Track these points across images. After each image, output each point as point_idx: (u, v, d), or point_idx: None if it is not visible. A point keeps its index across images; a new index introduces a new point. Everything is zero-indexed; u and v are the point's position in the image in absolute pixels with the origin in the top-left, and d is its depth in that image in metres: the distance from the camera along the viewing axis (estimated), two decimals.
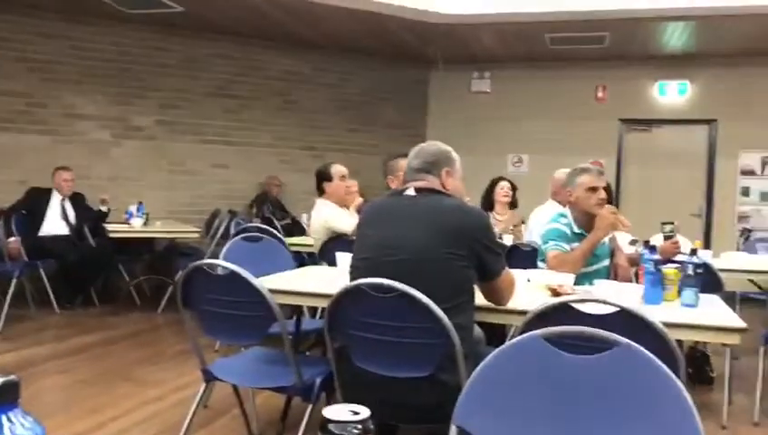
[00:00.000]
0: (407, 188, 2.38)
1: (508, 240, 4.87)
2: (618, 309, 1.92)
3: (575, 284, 2.86)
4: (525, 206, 5.55)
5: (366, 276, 2.16)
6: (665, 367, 1.29)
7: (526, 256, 3.88)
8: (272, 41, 7.73)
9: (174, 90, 7.48)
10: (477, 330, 2.60)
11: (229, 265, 2.39)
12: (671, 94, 8.00)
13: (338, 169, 4.39)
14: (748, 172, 7.77)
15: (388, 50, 7.97)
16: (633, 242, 4.24)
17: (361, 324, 2.15)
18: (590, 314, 1.98)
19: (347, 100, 8.36)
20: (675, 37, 7.10)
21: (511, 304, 2.42)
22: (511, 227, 5.15)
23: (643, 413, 1.29)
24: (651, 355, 1.32)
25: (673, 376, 1.28)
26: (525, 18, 6.31)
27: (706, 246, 7.05)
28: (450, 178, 2.44)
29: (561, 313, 2.00)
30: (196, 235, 6.44)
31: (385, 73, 8.48)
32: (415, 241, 2.22)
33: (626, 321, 1.90)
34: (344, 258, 2.83)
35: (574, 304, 1.98)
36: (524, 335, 1.43)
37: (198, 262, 2.45)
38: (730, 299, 4.58)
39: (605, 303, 1.92)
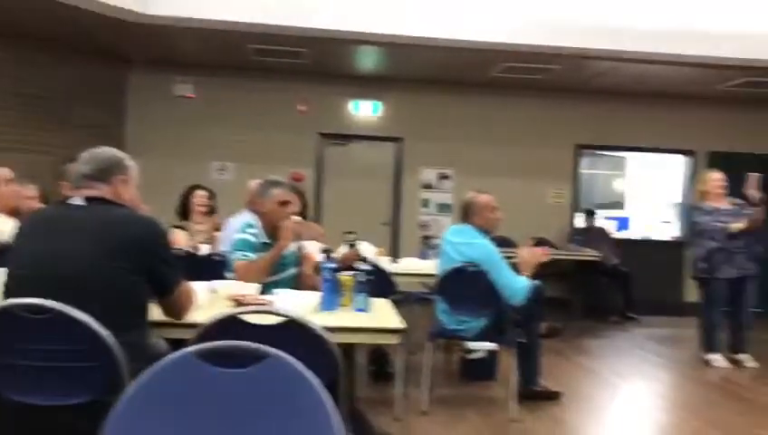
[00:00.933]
0: (73, 197, 2.21)
1: (206, 250, 4.80)
2: (287, 318, 1.99)
3: (262, 293, 2.92)
4: (231, 214, 5.52)
5: (20, 295, 1.95)
6: (310, 376, 1.36)
7: (218, 267, 3.85)
8: None
9: None
10: (161, 345, 2.51)
11: None
12: (365, 112, 8.64)
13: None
14: (427, 186, 8.74)
15: (83, 44, 7.33)
16: (325, 251, 4.46)
17: (11, 351, 1.92)
18: (261, 325, 2.03)
19: (31, 95, 7.45)
20: (368, 59, 7.69)
21: (192, 318, 2.37)
22: (207, 237, 5.09)
23: (287, 422, 1.34)
24: (298, 364, 1.38)
25: (317, 385, 1.35)
26: (226, 26, 6.30)
27: (395, 252, 7.75)
28: (125, 187, 2.33)
29: (233, 324, 2.01)
30: None
31: (78, 69, 7.75)
32: (79, 254, 2.07)
33: (294, 329, 1.98)
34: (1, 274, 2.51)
35: (243, 316, 2.01)
36: (176, 353, 1.41)
37: None
38: (407, 300, 5.10)
39: (271, 313, 1.98)
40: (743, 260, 5.52)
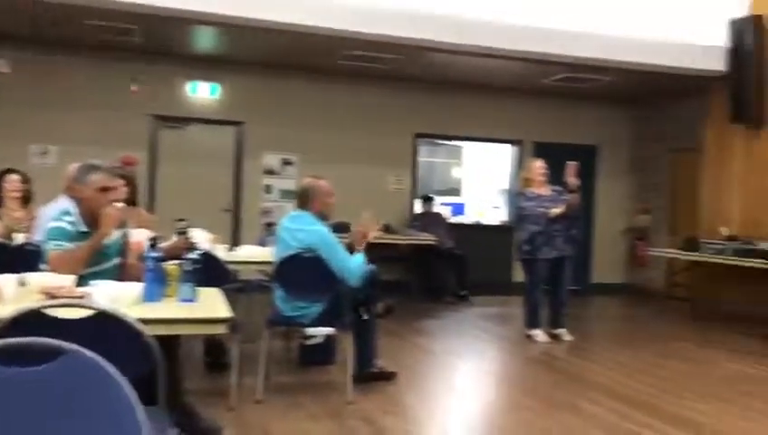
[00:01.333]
0: None
1: (21, 239, 4.43)
2: (97, 311, 1.87)
3: (82, 285, 2.73)
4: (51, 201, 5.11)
5: None
6: (112, 371, 1.29)
7: (33, 257, 3.55)
8: None
9: None
10: None
11: None
12: (203, 94, 8.34)
13: None
14: (270, 172, 8.62)
15: None
16: (152, 239, 4.26)
17: None
18: (69, 319, 1.89)
19: None
20: (205, 40, 7.42)
21: None
22: (24, 225, 4.70)
23: (87, 420, 1.27)
24: (99, 360, 1.30)
25: (120, 380, 1.28)
26: None
27: (236, 239, 7.58)
28: None
29: (37, 319, 1.86)
30: None
31: None
32: None
33: (105, 322, 1.87)
34: None
35: (51, 310, 1.87)
36: None
37: None
38: (246, 289, 5.02)
39: (79, 305, 1.86)
40: (561, 242, 5.98)
